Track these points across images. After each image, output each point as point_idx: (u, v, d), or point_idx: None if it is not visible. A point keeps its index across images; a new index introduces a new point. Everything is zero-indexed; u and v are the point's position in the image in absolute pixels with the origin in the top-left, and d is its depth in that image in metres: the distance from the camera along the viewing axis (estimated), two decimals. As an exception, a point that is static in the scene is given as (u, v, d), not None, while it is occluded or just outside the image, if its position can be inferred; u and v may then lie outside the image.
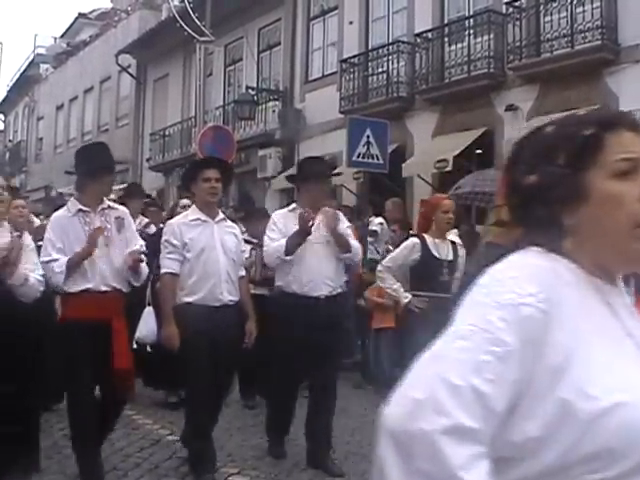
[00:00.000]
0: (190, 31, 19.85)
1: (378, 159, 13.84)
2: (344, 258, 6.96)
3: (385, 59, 18.83)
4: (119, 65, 31.46)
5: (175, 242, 6.31)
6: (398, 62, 18.41)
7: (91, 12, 42.85)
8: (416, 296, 7.24)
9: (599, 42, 14.14)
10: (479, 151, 16.80)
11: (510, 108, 15.88)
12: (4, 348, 5.33)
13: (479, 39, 16.48)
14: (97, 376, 5.85)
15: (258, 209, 13.01)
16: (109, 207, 6.20)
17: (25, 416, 5.65)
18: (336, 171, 18.14)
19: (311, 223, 6.59)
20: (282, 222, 6.87)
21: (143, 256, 6.14)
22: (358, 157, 13.70)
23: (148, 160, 29.74)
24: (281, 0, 23.15)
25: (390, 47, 18.90)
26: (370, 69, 19.28)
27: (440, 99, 17.47)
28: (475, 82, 16.40)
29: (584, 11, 14.44)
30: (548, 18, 15.12)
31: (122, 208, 6.43)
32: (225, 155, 17.00)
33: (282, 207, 16.50)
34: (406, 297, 7.27)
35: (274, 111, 22.75)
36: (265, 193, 22.45)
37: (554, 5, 14.97)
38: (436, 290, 7.13)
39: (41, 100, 42.77)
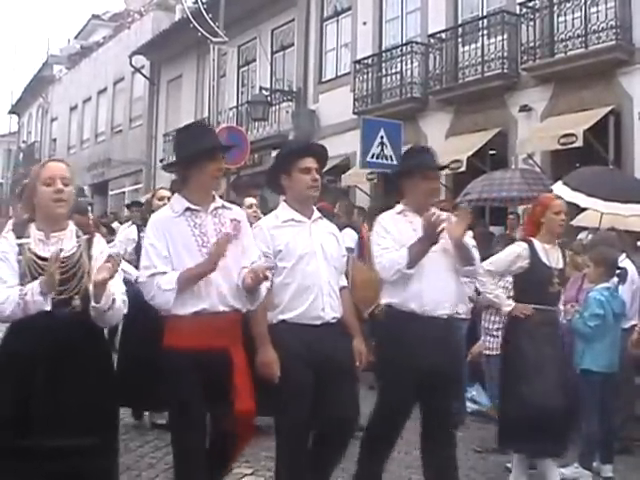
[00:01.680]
0: (204, 32, 19.87)
1: (392, 160, 13.84)
2: (464, 272, 5.78)
3: (399, 60, 18.83)
4: (132, 66, 31.61)
5: (266, 250, 5.10)
6: (412, 63, 18.43)
7: (104, 13, 43.00)
8: None
9: (613, 42, 14.11)
10: (493, 152, 16.78)
11: (524, 109, 15.86)
12: (86, 392, 4.21)
13: (493, 40, 16.45)
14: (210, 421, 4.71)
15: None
16: (223, 206, 4.91)
17: (106, 474, 4.38)
18: (349, 172, 18.30)
19: (440, 228, 5.39)
20: (394, 227, 5.60)
21: (269, 273, 4.83)
22: (372, 158, 13.74)
23: (162, 161, 29.75)
24: (294, 1, 23.18)
25: (404, 48, 18.91)
26: (384, 70, 19.29)
27: (454, 100, 17.45)
28: (489, 83, 16.38)
29: (598, 11, 14.42)
30: (562, 18, 15.09)
31: (238, 209, 5.13)
32: (239, 156, 17.06)
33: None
34: (509, 304, 6.40)
35: (288, 112, 22.79)
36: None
37: (568, 5, 14.95)
38: (544, 302, 6.32)
39: (55, 101, 42.93)
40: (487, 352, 8.67)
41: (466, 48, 17.23)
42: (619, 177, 12.52)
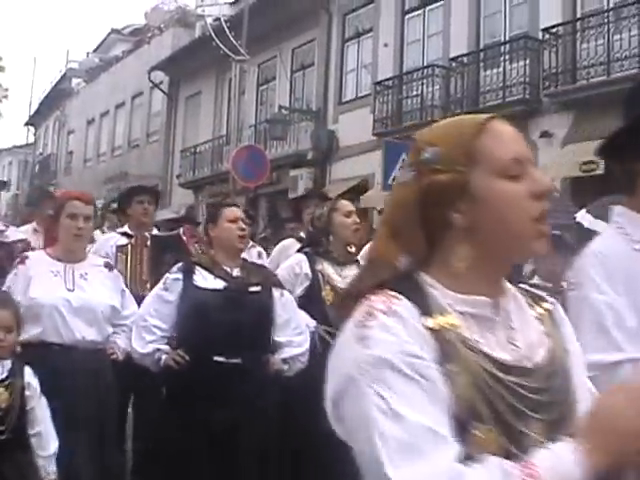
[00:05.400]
0: (225, 49, 19.99)
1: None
2: None
3: (419, 82, 18.89)
4: (151, 81, 31.72)
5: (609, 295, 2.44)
6: (433, 86, 18.47)
7: (124, 28, 43.20)
8: None
9: (635, 70, 14.11)
10: (513, 177, 16.81)
11: (545, 134, 15.85)
12: None
13: (515, 65, 16.49)
14: None
15: None
16: None
17: None
18: (368, 193, 18.30)
19: None
20: None
21: None
22: (394, 181, 13.76)
23: (178, 177, 29.91)
24: (316, 21, 23.28)
25: (425, 71, 18.97)
26: (404, 92, 19.33)
27: (474, 124, 17.46)
28: (510, 108, 16.37)
29: (621, 39, 14.45)
30: (585, 45, 15.13)
31: None
32: (258, 175, 17.12)
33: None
34: None
35: (307, 131, 22.83)
36: (295, 213, 22.44)
37: (591, 32, 15.00)
38: None
39: (72, 114, 43.10)
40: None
41: (487, 72, 17.28)
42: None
